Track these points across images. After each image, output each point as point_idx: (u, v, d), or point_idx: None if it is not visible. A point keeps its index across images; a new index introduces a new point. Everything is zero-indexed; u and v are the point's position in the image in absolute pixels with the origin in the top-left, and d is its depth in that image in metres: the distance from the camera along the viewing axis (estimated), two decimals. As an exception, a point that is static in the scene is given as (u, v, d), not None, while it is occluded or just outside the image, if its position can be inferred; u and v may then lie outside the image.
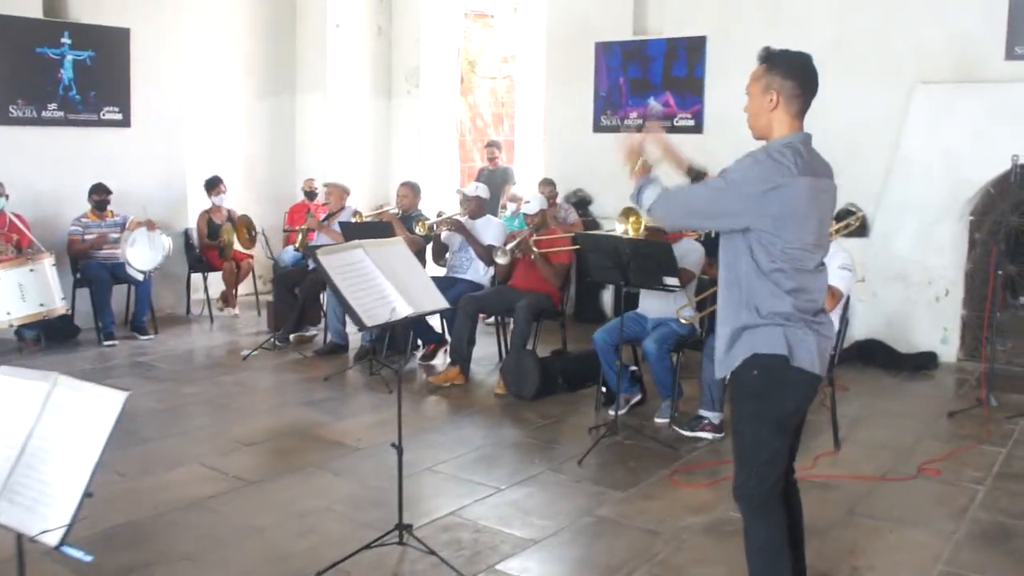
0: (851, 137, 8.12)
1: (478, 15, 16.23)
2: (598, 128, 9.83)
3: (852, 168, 8.03)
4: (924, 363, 7.63)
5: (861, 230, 7.95)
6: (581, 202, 9.79)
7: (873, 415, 6.38)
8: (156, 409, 6.33)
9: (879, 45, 8.07)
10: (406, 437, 5.70)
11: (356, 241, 3.86)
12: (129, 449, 5.47)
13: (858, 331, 8.00)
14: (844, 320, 5.66)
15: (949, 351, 7.79)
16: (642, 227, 5.83)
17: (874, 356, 7.80)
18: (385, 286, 3.76)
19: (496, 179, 10.79)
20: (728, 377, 3.21)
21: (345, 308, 3.62)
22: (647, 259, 5.55)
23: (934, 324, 7.83)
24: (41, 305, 7.44)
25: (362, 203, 10.67)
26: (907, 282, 7.94)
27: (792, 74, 3.07)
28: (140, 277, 8.33)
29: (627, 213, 5.89)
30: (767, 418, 3.10)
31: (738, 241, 3.07)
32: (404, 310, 3.75)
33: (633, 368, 6.48)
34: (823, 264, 3.13)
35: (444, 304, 4.07)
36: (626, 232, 5.83)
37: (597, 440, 5.48)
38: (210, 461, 5.31)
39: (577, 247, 6.61)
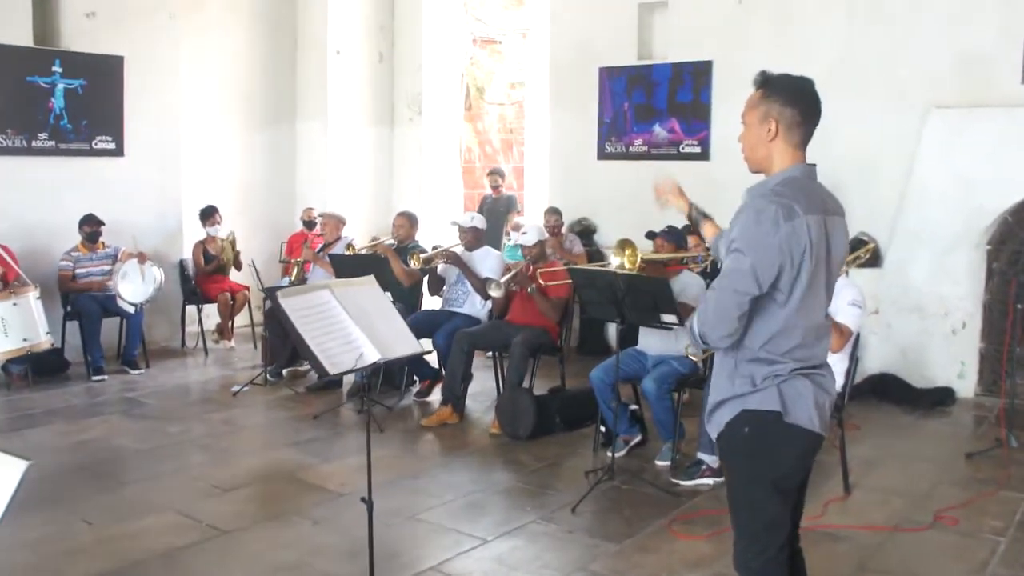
0: (862, 164, 7.86)
1: (486, 41, 16.09)
2: (602, 155, 9.59)
3: (864, 196, 7.80)
4: (940, 399, 7.31)
5: (874, 260, 7.68)
6: (585, 231, 9.53)
7: (886, 456, 6.06)
8: (137, 450, 6.09)
9: (890, 68, 7.81)
10: (391, 482, 5.51)
11: (323, 281, 3.62)
12: (103, 495, 5.25)
13: (872, 365, 7.69)
14: (854, 358, 5.36)
15: (966, 386, 7.45)
16: (639, 260, 5.55)
17: (888, 391, 7.49)
18: (352, 330, 3.50)
19: (499, 207, 10.56)
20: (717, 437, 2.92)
21: (305, 355, 3.37)
22: (643, 295, 5.28)
23: (951, 358, 7.50)
24: (24, 340, 7.21)
25: (364, 232, 10.47)
26: (922, 314, 7.62)
27: (793, 100, 2.78)
28: (131, 310, 8.12)
29: (623, 245, 5.61)
30: (761, 481, 2.80)
31: None
32: (372, 356, 3.49)
33: (633, 407, 6.18)
34: (828, 315, 2.85)
35: (417, 349, 3.81)
36: (622, 266, 5.54)
37: (592, 486, 5.19)
38: (185, 507, 5.04)
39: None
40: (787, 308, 2.72)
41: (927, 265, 7.62)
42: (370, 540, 3.69)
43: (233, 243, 9.17)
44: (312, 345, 3.34)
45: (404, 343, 3.69)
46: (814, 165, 2.84)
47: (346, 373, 3.50)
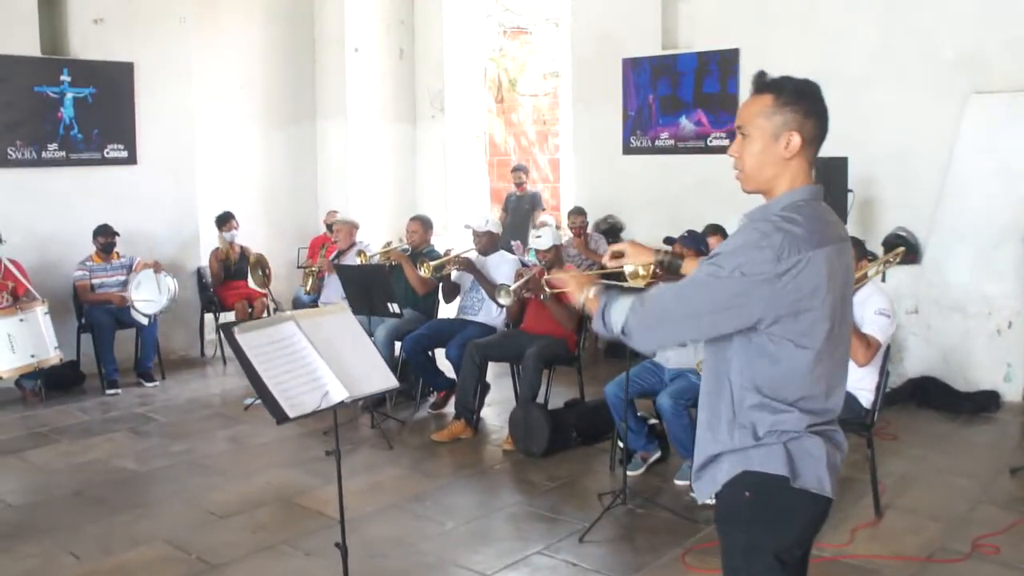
0: (899, 155, 7.45)
1: (516, 31, 15.76)
2: (628, 150, 9.24)
3: (901, 189, 7.40)
4: (984, 404, 6.88)
5: (912, 257, 7.26)
6: (612, 229, 9.18)
7: (923, 472, 5.66)
8: (136, 472, 5.91)
9: (928, 53, 7.37)
10: (394, 505, 5.25)
11: (288, 313, 3.35)
12: (93, 523, 5.06)
13: (912, 368, 7.30)
14: (884, 372, 4.98)
15: (1013, 390, 7.01)
16: (652, 267, 5.20)
17: (929, 396, 7.07)
18: (318, 366, 3.24)
19: (524, 205, 10.29)
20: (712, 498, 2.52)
21: (262, 396, 3.10)
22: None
23: (996, 360, 7.06)
24: (32, 356, 7.11)
25: (386, 234, 10.23)
26: (964, 313, 7.19)
27: (813, 110, 2.36)
28: (144, 321, 7.96)
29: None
30: (762, 553, 2.41)
31: (732, 342, 2.38)
32: (339, 394, 3.22)
33: (653, 422, 5.86)
34: (845, 354, 2.48)
35: (394, 383, 3.54)
36: (636, 273, 5.20)
37: (601, 514, 4.88)
38: (176, 537, 4.83)
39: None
40: (805, 351, 2.33)
41: (969, 261, 7.18)
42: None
43: (263, 265, 8.76)
44: (270, 385, 3.08)
45: (377, 378, 3.42)
46: (821, 187, 2.43)
47: (307, 415, 3.23)
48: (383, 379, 3.45)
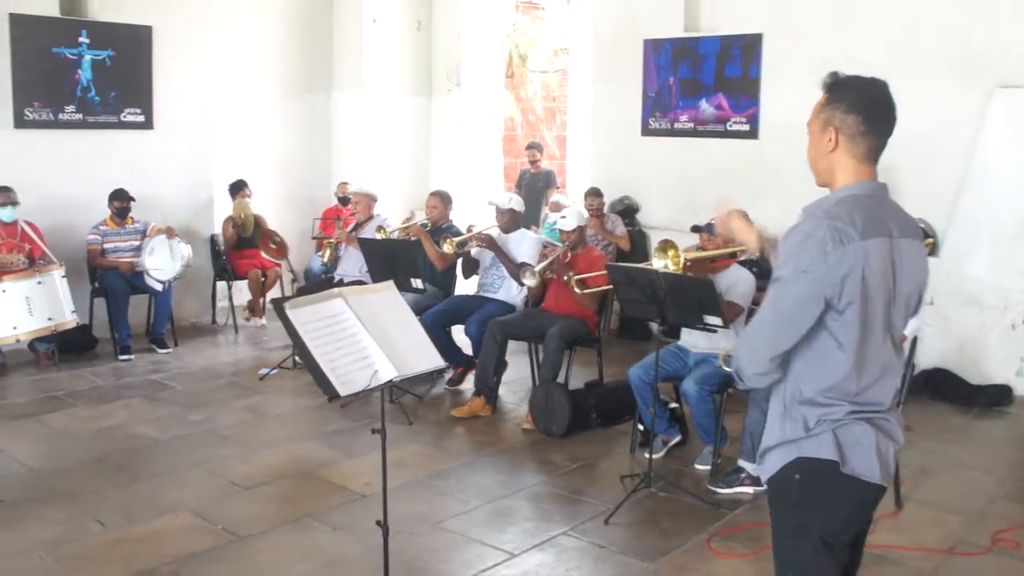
0: (920, 146, 7.37)
1: (528, 6, 15.68)
2: (646, 131, 9.20)
3: (921, 181, 7.36)
4: (998, 398, 6.91)
5: (931, 249, 7.26)
6: (628, 210, 9.16)
7: (940, 464, 5.69)
8: (156, 440, 5.91)
9: (954, 44, 7.32)
10: (417, 482, 5.27)
11: (336, 289, 3.33)
12: (118, 490, 5.08)
13: (926, 359, 7.30)
14: (910, 364, 5.01)
15: (1026, 385, 7.06)
16: (682, 260, 5.20)
17: (942, 387, 7.09)
18: (368, 344, 3.23)
19: (538, 182, 10.27)
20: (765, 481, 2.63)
21: (312, 373, 3.10)
22: (686, 295, 4.96)
23: (1010, 354, 7.07)
24: (49, 319, 7.08)
25: (400, 207, 10.22)
26: (980, 306, 7.20)
27: (857, 106, 2.44)
28: (159, 287, 7.93)
29: (665, 247, 5.26)
30: (810, 534, 2.49)
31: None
32: (387, 373, 3.22)
33: (673, 406, 5.88)
34: (884, 347, 2.52)
35: (440, 363, 3.54)
36: (666, 267, 5.20)
37: (627, 496, 4.91)
38: (201, 507, 4.85)
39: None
40: (843, 345, 2.41)
41: (987, 254, 7.18)
42: (385, 570, 3.44)
43: (271, 237, 8.66)
44: (322, 363, 3.07)
45: (424, 357, 3.42)
46: (883, 184, 2.50)
47: (358, 394, 3.23)
48: (430, 358, 3.44)
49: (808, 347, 2.44)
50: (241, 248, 9.03)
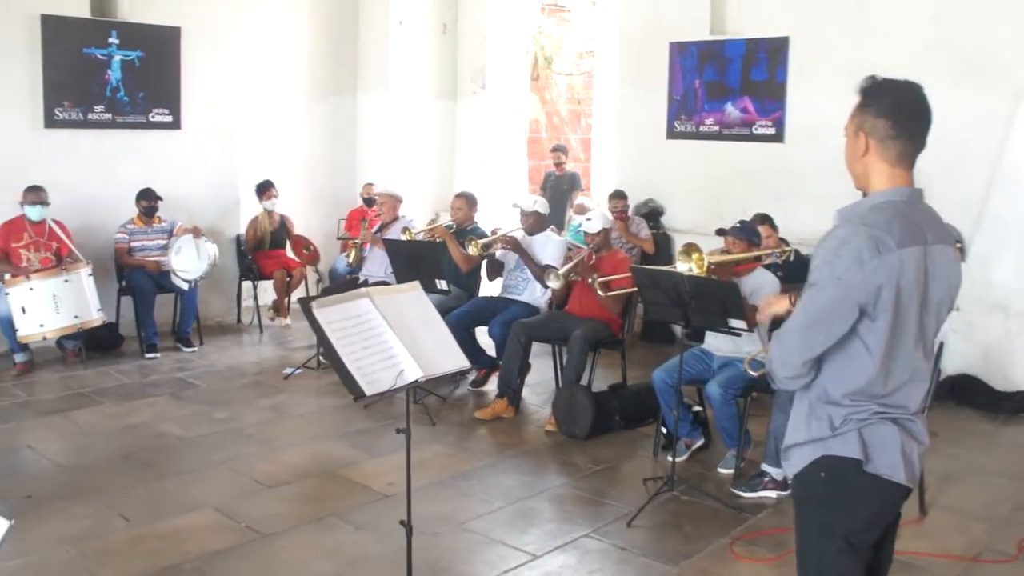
0: (947, 151, 7.21)
1: (554, 9, 15.68)
2: (672, 134, 9.18)
3: (947, 185, 7.26)
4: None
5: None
6: (652, 213, 9.15)
7: (965, 472, 5.65)
8: (182, 438, 5.95)
9: (981, 48, 7.26)
10: (440, 482, 5.29)
11: (363, 289, 3.35)
12: (143, 487, 5.12)
13: (952, 365, 7.24)
14: (936, 371, 4.96)
15: (1054, 392, 6.98)
16: (706, 264, 5.19)
17: (968, 395, 7.04)
18: (393, 344, 3.24)
19: (563, 185, 10.26)
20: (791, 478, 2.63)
21: (339, 372, 3.12)
22: (710, 298, 4.95)
23: (1037, 361, 7.03)
24: (76, 317, 7.15)
25: (425, 210, 10.24)
26: (1007, 312, 7.14)
27: (888, 111, 2.43)
28: (185, 286, 7.99)
29: (688, 250, 5.25)
30: (834, 533, 2.50)
31: None
32: (413, 373, 3.23)
33: (697, 409, 5.86)
34: (915, 352, 2.50)
35: (465, 364, 3.55)
36: (690, 271, 5.19)
37: (650, 498, 4.90)
38: (225, 505, 4.88)
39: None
40: (872, 351, 2.42)
41: (1014, 260, 7.12)
42: (408, 570, 3.45)
43: (305, 244, 8.75)
44: (347, 362, 3.09)
45: (450, 357, 3.43)
46: (919, 189, 2.50)
47: (383, 394, 3.24)
48: (456, 359, 3.46)
49: (838, 350, 2.45)
50: (266, 248, 9.08)
